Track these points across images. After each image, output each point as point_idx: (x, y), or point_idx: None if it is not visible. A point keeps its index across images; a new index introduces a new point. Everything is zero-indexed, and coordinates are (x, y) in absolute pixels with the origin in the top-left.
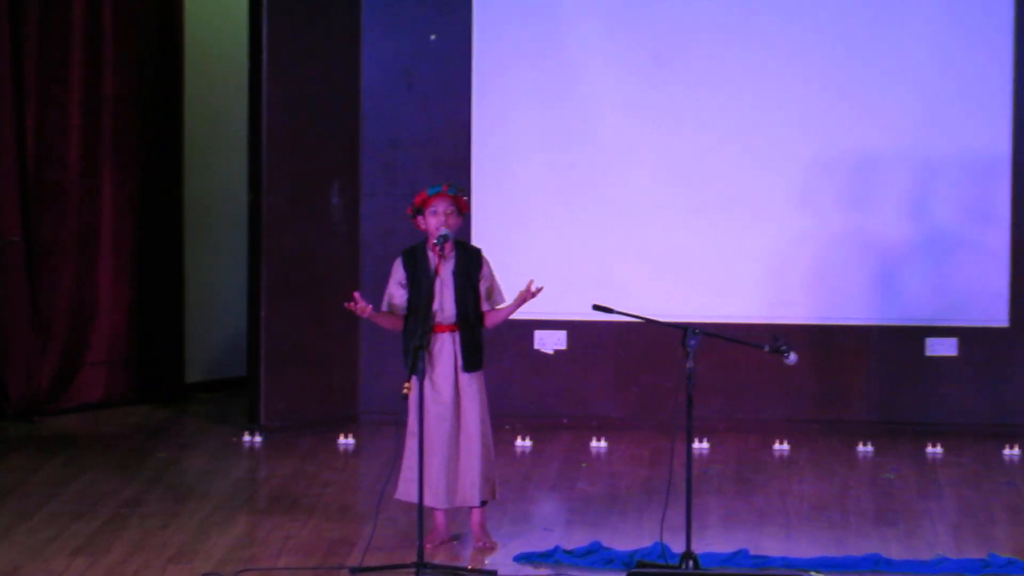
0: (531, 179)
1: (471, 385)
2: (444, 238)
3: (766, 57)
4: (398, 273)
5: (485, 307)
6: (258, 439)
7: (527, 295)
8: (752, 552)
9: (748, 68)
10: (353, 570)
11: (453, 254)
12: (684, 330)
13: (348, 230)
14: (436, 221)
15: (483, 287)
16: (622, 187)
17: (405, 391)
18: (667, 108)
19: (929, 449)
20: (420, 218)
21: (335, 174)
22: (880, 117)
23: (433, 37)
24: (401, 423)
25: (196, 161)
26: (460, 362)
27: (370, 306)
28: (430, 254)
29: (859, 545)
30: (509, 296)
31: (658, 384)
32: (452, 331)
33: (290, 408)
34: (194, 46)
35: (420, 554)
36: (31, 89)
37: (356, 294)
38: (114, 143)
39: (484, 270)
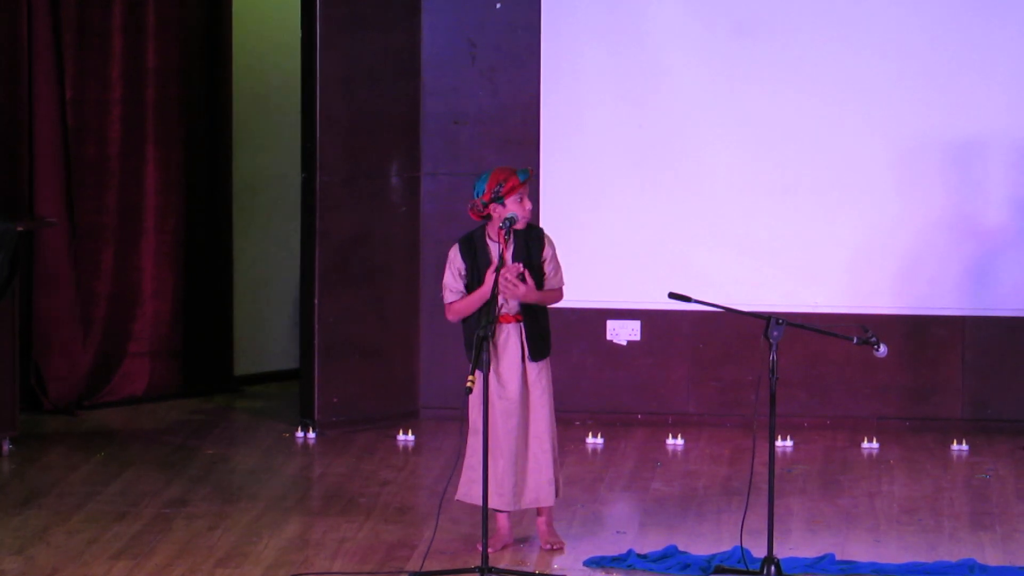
0: (604, 158)
1: (540, 378)
2: (511, 220)
3: (861, 28)
4: (456, 262)
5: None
6: (312, 435)
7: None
8: (838, 557)
9: (841, 40)
10: (413, 575)
11: (512, 238)
12: (767, 320)
13: (408, 212)
14: (523, 209)
15: (548, 269)
16: (702, 167)
17: (469, 385)
18: (751, 84)
19: None
20: (495, 205)
21: (394, 152)
22: (984, 97)
23: (499, 5)
24: (464, 419)
25: (245, 138)
26: (527, 351)
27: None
28: (489, 242)
29: (952, 550)
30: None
31: (739, 378)
32: (517, 321)
33: (346, 402)
34: (243, 14)
35: (484, 558)
36: (70, 60)
37: None
38: (157, 118)
39: (547, 251)
